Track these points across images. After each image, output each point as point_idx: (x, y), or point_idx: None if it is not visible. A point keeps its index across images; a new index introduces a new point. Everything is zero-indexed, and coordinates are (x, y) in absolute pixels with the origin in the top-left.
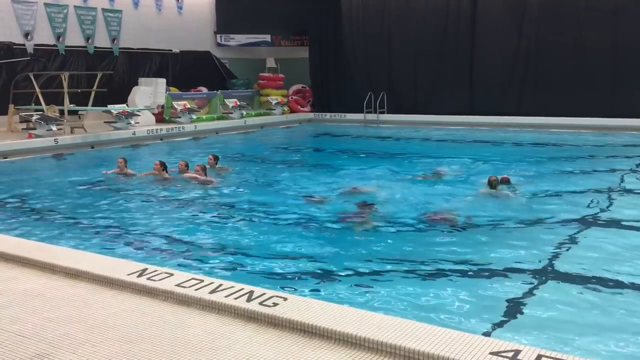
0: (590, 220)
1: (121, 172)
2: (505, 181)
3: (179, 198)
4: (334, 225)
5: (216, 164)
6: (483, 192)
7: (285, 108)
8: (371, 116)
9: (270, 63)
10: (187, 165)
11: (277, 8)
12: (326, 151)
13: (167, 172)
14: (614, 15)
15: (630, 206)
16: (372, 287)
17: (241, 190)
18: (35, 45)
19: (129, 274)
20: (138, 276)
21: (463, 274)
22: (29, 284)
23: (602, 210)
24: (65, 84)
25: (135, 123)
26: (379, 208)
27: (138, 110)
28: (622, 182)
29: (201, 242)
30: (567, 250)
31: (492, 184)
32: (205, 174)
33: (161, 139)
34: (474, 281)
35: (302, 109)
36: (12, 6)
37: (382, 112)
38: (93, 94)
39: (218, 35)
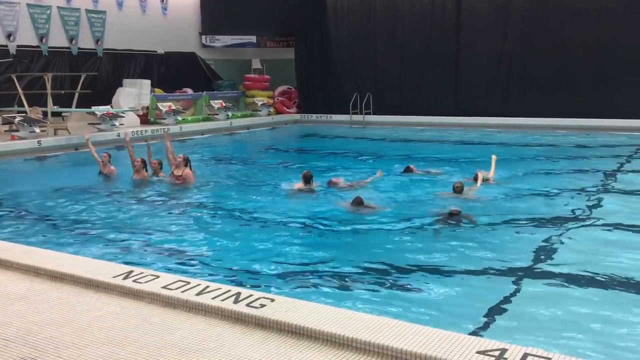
0: (574, 219)
1: (104, 167)
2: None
3: (163, 200)
4: (321, 226)
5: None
6: (448, 194)
7: (271, 109)
8: (357, 117)
9: (256, 64)
10: (160, 164)
11: (263, 9)
12: (312, 152)
13: (146, 170)
14: (598, 16)
15: (614, 205)
16: (359, 287)
17: (227, 191)
18: (18, 46)
19: (114, 277)
20: (124, 278)
21: (448, 273)
22: (12, 287)
23: (586, 210)
24: (48, 86)
25: (120, 124)
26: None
27: (122, 112)
28: (605, 181)
29: (187, 244)
30: (552, 249)
31: (455, 191)
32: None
33: (146, 141)
34: (459, 280)
35: (288, 110)
36: None
37: (368, 113)
38: (77, 95)
39: (203, 37)
